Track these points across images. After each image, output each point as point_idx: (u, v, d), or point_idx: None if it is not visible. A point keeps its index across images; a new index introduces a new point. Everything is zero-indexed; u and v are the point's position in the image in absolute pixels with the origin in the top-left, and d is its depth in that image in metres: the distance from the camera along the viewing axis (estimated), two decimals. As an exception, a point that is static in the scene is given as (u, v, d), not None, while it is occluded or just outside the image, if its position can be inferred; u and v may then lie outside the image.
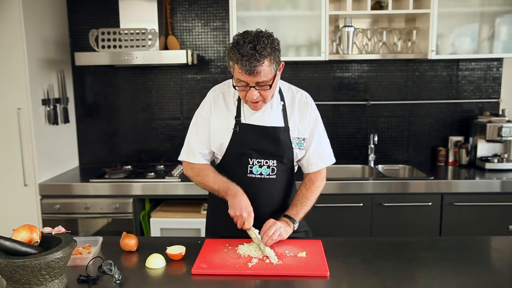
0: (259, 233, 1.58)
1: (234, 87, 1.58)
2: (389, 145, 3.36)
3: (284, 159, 1.72)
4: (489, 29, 2.95)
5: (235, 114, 1.70)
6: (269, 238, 1.54)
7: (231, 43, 1.53)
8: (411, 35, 3.05)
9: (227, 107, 1.72)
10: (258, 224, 1.60)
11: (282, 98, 1.73)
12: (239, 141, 1.69)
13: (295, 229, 1.67)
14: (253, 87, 1.53)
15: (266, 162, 1.70)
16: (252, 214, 1.59)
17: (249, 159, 1.69)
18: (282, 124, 1.70)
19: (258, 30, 1.53)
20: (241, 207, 1.58)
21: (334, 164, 1.84)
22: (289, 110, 1.73)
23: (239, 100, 1.70)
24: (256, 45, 1.46)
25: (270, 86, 1.55)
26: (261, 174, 1.71)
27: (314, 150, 1.76)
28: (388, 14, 2.93)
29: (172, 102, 3.35)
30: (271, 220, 1.60)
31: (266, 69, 1.50)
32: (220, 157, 1.76)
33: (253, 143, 1.68)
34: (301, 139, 1.73)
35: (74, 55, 2.84)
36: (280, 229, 1.58)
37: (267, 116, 1.69)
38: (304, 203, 1.72)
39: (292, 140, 1.71)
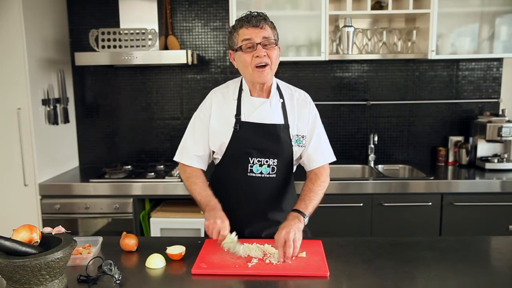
0: (236, 235, 1.53)
1: (240, 48, 1.61)
2: (389, 145, 3.36)
3: (284, 157, 1.72)
4: (489, 29, 2.95)
5: (235, 113, 1.70)
6: (294, 250, 1.46)
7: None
8: (411, 35, 3.05)
9: (227, 106, 1.72)
10: (259, 224, 1.60)
11: (281, 96, 1.74)
12: (239, 140, 1.69)
13: (306, 223, 1.59)
14: (259, 43, 1.59)
15: (267, 161, 1.70)
16: (227, 222, 1.53)
17: (249, 158, 1.69)
18: (282, 122, 1.71)
19: None
20: (215, 216, 1.53)
21: (334, 164, 1.84)
22: (288, 108, 1.73)
23: (239, 98, 1.71)
24: (259, 13, 1.64)
25: (276, 43, 1.63)
26: (261, 173, 1.71)
27: (314, 147, 1.75)
28: (388, 14, 2.93)
29: (172, 102, 3.35)
30: (282, 233, 1.48)
31: (269, 29, 1.62)
32: (220, 157, 1.76)
33: (253, 141, 1.68)
34: (300, 137, 1.73)
35: (74, 55, 2.84)
36: (294, 235, 1.47)
37: (266, 113, 1.70)
38: (312, 197, 1.66)
39: (291, 137, 1.72)
